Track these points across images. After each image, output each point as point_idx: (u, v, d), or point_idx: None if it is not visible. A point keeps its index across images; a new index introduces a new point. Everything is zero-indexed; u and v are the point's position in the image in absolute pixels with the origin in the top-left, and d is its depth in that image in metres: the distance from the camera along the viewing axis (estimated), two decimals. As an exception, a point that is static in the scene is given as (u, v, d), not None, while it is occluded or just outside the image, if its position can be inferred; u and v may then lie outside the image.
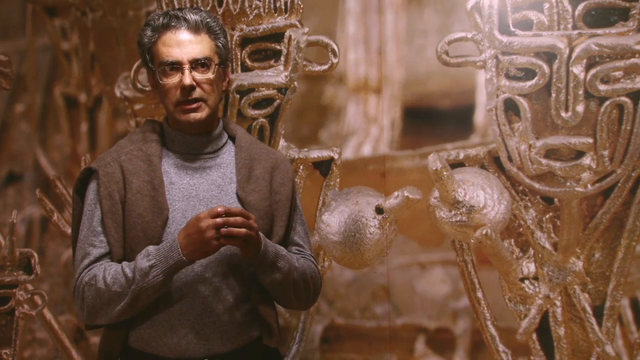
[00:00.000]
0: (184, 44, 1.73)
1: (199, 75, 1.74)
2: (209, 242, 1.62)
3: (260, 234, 1.71)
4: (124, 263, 1.70)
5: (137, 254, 1.70)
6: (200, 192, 1.78)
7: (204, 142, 1.81)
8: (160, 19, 1.76)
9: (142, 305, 1.69)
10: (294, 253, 1.85)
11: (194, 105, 1.74)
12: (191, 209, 1.75)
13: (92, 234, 1.75)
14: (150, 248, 1.67)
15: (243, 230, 1.62)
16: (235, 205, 1.77)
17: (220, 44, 1.79)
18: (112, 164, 1.76)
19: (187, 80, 1.72)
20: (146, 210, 1.72)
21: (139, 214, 1.72)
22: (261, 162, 1.85)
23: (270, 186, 1.84)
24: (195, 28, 1.75)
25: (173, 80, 1.73)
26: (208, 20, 1.78)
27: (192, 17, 1.75)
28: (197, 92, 1.74)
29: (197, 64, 1.74)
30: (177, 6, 2.46)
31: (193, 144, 1.80)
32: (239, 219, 1.62)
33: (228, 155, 1.85)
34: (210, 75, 1.75)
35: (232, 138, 1.88)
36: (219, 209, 1.62)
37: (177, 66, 1.73)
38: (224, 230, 1.61)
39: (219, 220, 1.61)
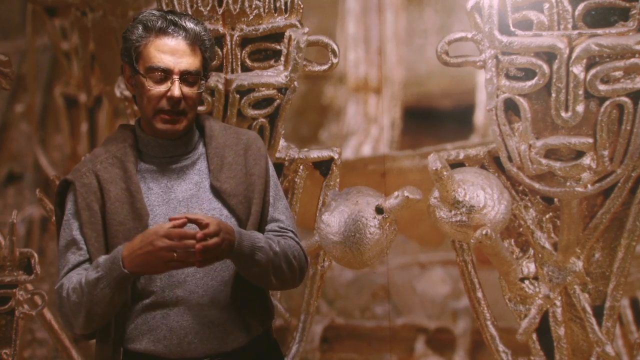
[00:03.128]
0: (179, 54, 1.70)
1: (185, 88, 1.71)
2: (161, 263, 1.59)
3: (235, 228, 1.67)
4: (85, 273, 1.68)
5: None
6: (179, 193, 1.76)
7: (178, 144, 1.79)
8: (159, 21, 1.71)
9: (102, 318, 1.68)
10: (274, 231, 1.82)
11: (176, 117, 1.72)
12: (172, 211, 1.73)
13: (71, 242, 1.74)
14: (101, 259, 1.66)
15: (199, 256, 1.57)
16: (211, 198, 1.76)
17: (207, 57, 1.77)
18: (87, 174, 1.75)
19: (177, 92, 1.69)
20: (126, 217, 1.71)
21: (120, 221, 1.71)
22: (232, 148, 1.82)
23: (245, 169, 1.82)
24: (192, 39, 1.72)
25: (159, 88, 1.70)
26: (203, 34, 1.75)
27: (192, 27, 1.72)
28: (182, 105, 1.72)
29: (187, 76, 1.71)
30: (177, 6, 2.46)
31: (167, 147, 1.78)
32: (192, 241, 1.56)
33: (201, 149, 1.83)
34: (196, 90, 1.73)
35: (202, 130, 1.86)
36: (174, 231, 1.57)
37: (166, 75, 1.70)
38: (179, 254, 1.57)
39: (177, 243, 1.56)
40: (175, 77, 1.70)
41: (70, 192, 1.77)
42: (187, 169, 1.80)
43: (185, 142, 1.80)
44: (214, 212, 1.75)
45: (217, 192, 1.77)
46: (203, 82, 1.76)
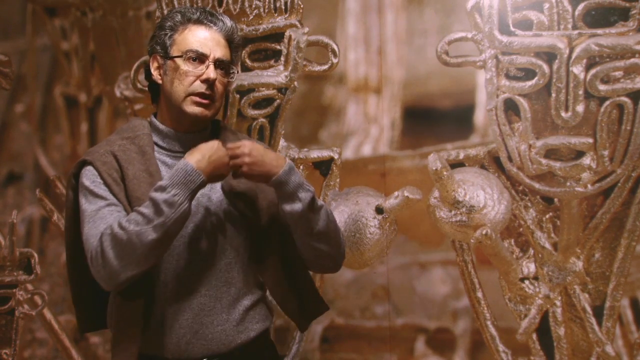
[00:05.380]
0: (214, 42, 1.75)
1: (218, 76, 1.74)
2: (226, 168, 1.67)
3: (287, 159, 1.72)
4: (135, 208, 1.65)
5: None
6: None
7: (197, 139, 1.79)
8: (197, 13, 1.76)
9: (169, 242, 1.64)
10: None
11: (207, 101, 1.74)
12: None
13: (107, 205, 1.69)
14: (163, 181, 1.63)
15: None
16: (221, 198, 1.78)
17: (234, 55, 1.81)
18: (106, 155, 1.74)
19: (212, 74, 1.72)
20: (144, 194, 1.69)
21: (138, 197, 1.70)
22: None
23: None
24: (226, 33, 1.77)
25: (195, 70, 1.73)
26: (236, 32, 1.80)
27: (227, 22, 1.78)
28: (214, 90, 1.74)
29: (220, 65, 1.74)
30: (177, 6, 2.46)
31: (185, 141, 1.79)
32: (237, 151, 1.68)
33: None
34: (226, 79, 1.77)
35: (215, 133, 1.87)
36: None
37: (202, 58, 1.73)
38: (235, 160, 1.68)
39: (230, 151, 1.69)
40: (210, 62, 1.73)
41: (89, 168, 1.74)
42: None
43: (203, 138, 1.80)
44: (222, 212, 1.76)
45: (227, 193, 1.78)
46: (232, 74, 1.79)
